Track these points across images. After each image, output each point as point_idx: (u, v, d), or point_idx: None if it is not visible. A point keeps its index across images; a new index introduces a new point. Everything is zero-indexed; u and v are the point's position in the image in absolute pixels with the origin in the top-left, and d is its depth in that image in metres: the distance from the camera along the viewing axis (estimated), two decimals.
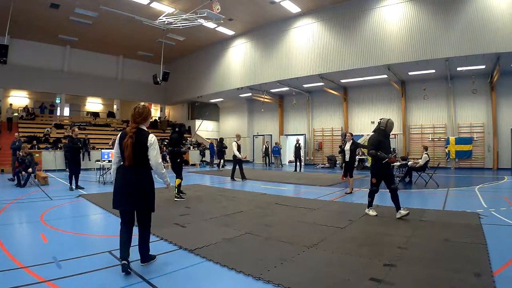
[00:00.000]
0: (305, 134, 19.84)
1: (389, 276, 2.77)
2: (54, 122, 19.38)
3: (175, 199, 6.91)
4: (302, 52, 15.86)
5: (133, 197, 2.94)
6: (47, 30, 17.31)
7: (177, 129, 7.46)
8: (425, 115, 15.89)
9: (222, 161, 16.75)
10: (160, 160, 3.09)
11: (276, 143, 19.28)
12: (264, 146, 20.29)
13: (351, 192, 7.85)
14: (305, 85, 17.87)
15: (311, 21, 15.60)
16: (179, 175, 7.07)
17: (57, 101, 21.78)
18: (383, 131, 5.16)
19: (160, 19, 14.70)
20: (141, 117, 3.06)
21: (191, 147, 20.82)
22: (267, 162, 19.74)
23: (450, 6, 11.80)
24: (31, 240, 4.07)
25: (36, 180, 9.58)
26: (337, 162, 17.42)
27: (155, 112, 28.11)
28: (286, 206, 6.17)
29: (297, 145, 15.35)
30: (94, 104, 24.86)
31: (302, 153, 16.07)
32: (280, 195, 7.80)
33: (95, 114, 23.38)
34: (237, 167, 10.92)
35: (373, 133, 5.38)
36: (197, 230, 4.42)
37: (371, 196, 5.22)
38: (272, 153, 19.06)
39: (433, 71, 14.03)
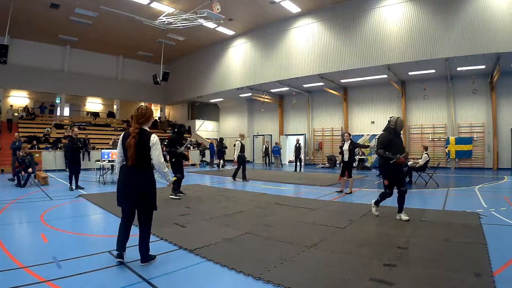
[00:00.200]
0: (305, 134, 19.84)
1: (389, 276, 2.77)
2: (54, 122, 19.37)
3: (170, 196, 7.00)
4: (302, 52, 15.86)
5: (136, 197, 3.05)
6: (47, 30, 17.31)
7: (176, 130, 7.56)
8: (425, 115, 15.89)
9: (222, 161, 16.75)
10: (162, 159, 3.17)
11: (276, 143, 19.28)
12: (264, 146, 20.30)
13: (351, 192, 7.85)
14: (305, 85, 17.87)
15: (311, 21, 15.61)
16: (175, 174, 7.19)
17: (57, 101, 21.78)
18: (393, 130, 4.95)
19: (160, 19, 14.70)
20: (144, 117, 3.15)
21: (189, 147, 20.82)
22: (267, 162, 19.75)
23: (450, 6, 11.80)
24: (31, 240, 4.07)
25: (36, 180, 9.58)
26: (337, 162, 17.40)
27: (155, 112, 28.09)
28: (286, 206, 6.17)
29: (297, 145, 15.35)
30: (94, 104, 24.85)
31: (301, 153, 16.05)
32: (280, 195, 7.80)
33: (95, 114, 23.38)
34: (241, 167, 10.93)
35: (383, 132, 5.12)
36: (197, 230, 4.42)
37: (382, 197, 5.00)
38: (272, 153, 19.07)
39: (433, 71, 14.03)
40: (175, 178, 7.11)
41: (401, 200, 4.87)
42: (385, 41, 13.19)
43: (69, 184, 8.52)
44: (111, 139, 15.50)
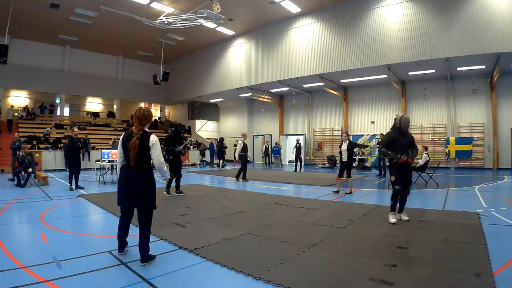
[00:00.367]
0: (305, 134, 19.84)
1: (389, 276, 2.77)
2: (54, 122, 19.37)
3: (165, 193, 7.22)
4: (302, 52, 15.85)
5: (136, 196, 3.15)
6: (47, 30, 17.31)
7: (173, 129, 7.83)
8: (425, 115, 15.89)
9: (222, 161, 16.75)
10: (162, 159, 3.30)
11: (276, 143, 19.29)
12: (264, 146, 20.30)
13: (350, 192, 7.85)
14: (305, 85, 17.87)
15: (311, 21, 15.60)
16: (170, 173, 7.40)
17: (57, 101, 21.78)
18: (398, 128, 4.76)
19: (160, 19, 14.70)
20: (147, 119, 3.27)
21: (190, 147, 20.82)
22: (267, 162, 19.75)
23: (450, 6, 11.80)
24: (31, 240, 4.07)
25: (36, 180, 9.58)
26: (337, 162, 17.39)
27: (155, 112, 28.11)
28: (286, 206, 6.17)
29: (298, 145, 15.35)
30: (94, 104, 24.85)
31: (301, 154, 16.05)
32: (280, 195, 7.80)
33: (95, 114, 23.37)
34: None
35: (390, 130, 4.98)
36: (197, 230, 4.42)
37: (394, 198, 4.72)
38: (272, 153, 19.07)
39: (433, 71, 14.03)
40: (169, 177, 7.44)
41: (402, 201, 4.86)
42: (385, 41, 13.19)
43: (69, 184, 8.52)
44: (111, 139, 15.49)
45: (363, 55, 13.80)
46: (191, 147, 21.18)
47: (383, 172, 12.37)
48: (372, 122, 17.43)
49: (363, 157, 16.29)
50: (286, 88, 18.40)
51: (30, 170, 9.00)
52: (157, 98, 25.67)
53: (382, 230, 4.36)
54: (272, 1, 14.37)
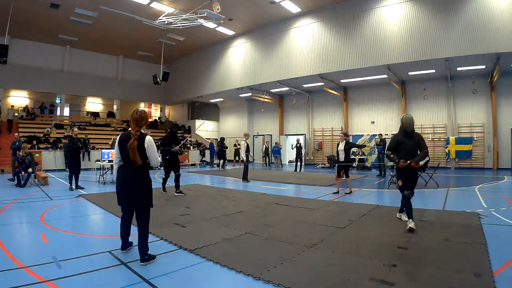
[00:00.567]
0: (305, 134, 19.83)
1: (389, 276, 2.77)
2: (54, 122, 19.37)
3: (162, 191, 7.70)
4: (302, 52, 15.85)
5: (135, 197, 3.24)
6: (47, 30, 17.30)
7: (168, 130, 8.21)
8: (425, 115, 15.88)
9: (222, 161, 16.74)
10: (159, 158, 3.46)
11: (276, 143, 19.28)
12: (264, 146, 20.30)
13: (350, 192, 7.84)
14: (305, 85, 17.86)
15: (311, 21, 15.60)
16: (165, 173, 7.83)
17: (57, 101, 21.78)
18: (403, 130, 4.54)
19: (160, 19, 14.70)
20: (144, 121, 3.37)
21: (189, 147, 20.82)
22: (267, 162, 19.75)
23: (450, 6, 11.79)
24: (31, 240, 4.07)
25: (36, 180, 9.58)
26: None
27: (155, 112, 28.12)
28: (286, 206, 6.17)
29: (298, 145, 15.34)
30: (94, 104, 24.84)
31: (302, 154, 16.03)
32: (280, 195, 7.80)
33: (95, 114, 23.37)
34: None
35: (397, 132, 4.78)
36: (197, 230, 4.42)
37: (406, 204, 4.45)
38: (272, 153, 19.07)
39: (433, 71, 14.02)
40: (164, 177, 7.86)
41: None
42: (385, 41, 13.19)
43: (69, 184, 8.52)
44: (111, 139, 15.49)
45: (363, 55, 13.80)
46: (191, 147, 21.19)
47: (383, 172, 12.38)
48: (372, 122, 17.42)
49: (363, 157, 16.29)
50: (286, 88, 18.40)
51: (30, 170, 9.01)
52: (157, 98, 25.66)
53: (382, 230, 4.36)
54: (272, 1, 14.37)
